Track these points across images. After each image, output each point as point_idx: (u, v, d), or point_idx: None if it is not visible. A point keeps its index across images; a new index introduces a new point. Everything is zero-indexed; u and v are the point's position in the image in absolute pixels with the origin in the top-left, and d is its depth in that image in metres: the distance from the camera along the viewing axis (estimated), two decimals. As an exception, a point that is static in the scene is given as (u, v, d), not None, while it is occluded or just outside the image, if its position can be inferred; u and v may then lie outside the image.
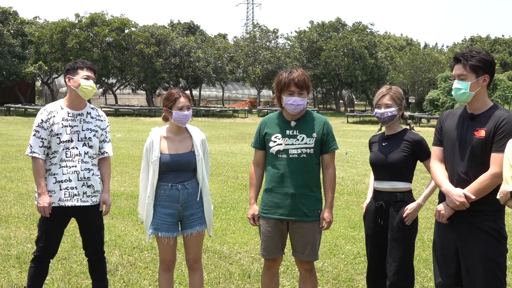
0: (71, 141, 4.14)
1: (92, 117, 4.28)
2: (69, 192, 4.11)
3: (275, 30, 55.19)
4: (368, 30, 52.42)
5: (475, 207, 3.40)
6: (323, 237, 5.28)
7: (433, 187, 3.91)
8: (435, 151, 3.68)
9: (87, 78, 4.17)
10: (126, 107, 43.16)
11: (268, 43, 54.46)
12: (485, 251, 3.39)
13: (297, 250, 4.04)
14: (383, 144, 4.08)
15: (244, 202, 8.76)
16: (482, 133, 3.41)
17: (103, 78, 44.94)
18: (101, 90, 48.62)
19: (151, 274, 5.34)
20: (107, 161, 4.39)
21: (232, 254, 6.09)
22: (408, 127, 4.22)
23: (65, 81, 4.24)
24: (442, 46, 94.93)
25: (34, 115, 4.61)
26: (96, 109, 4.39)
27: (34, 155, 4.10)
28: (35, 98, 52.89)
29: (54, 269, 5.36)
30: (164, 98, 4.21)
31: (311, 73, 45.34)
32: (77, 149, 4.16)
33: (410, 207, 3.91)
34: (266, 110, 41.71)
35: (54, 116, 4.15)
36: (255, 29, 55.56)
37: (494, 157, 3.32)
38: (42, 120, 4.13)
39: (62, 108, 4.20)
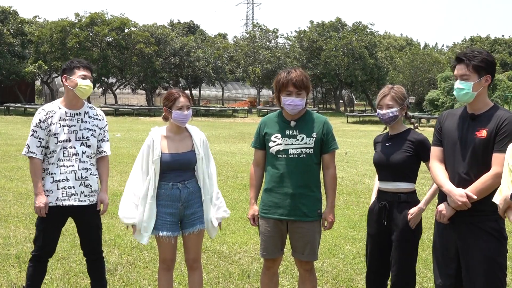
0: (69, 140, 4.14)
1: (89, 117, 4.27)
2: (66, 191, 4.11)
3: (275, 30, 55.25)
4: (368, 30, 52.42)
5: (476, 207, 3.39)
6: (323, 237, 5.27)
7: (435, 190, 3.88)
8: (435, 151, 3.68)
9: (84, 77, 4.16)
10: (126, 107, 43.17)
11: (268, 43, 54.48)
12: (485, 251, 3.39)
13: (296, 250, 4.04)
14: (387, 144, 4.06)
15: (243, 202, 8.76)
16: (483, 133, 3.40)
17: (103, 78, 44.95)
18: (101, 89, 48.62)
19: (150, 274, 5.34)
20: (105, 161, 4.38)
21: (232, 254, 6.09)
22: (412, 126, 4.20)
23: (61, 81, 4.24)
24: (442, 46, 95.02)
25: (34, 114, 4.56)
26: (94, 108, 4.38)
27: (31, 155, 4.09)
28: (34, 97, 52.90)
29: (54, 268, 5.36)
30: (164, 98, 4.21)
31: (311, 73, 45.34)
32: (75, 148, 4.15)
33: (411, 212, 3.89)
34: (265, 110, 41.71)
35: (52, 116, 4.14)
36: (255, 29, 55.59)
37: (495, 157, 3.32)
38: (40, 120, 4.13)
39: (59, 108, 4.19)
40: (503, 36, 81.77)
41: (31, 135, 4.12)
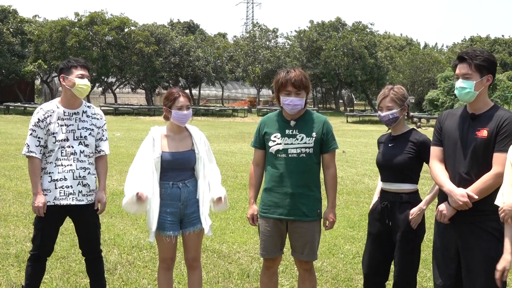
0: (67, 140, 4.13)
1: (88, 116, 4.27)
2: (64, 190, 4.10)
3: (275, 29, 55.19)
4: (368, 30, 52.37)
5: (477, 207, 3.39)
6: (322, 237, 5.27)
7: (436, 191, 3.87)
8: (435, 151, 3.67)
9: (82, 76, 4.16)
10: (126, 106, 43.14)
11: (267, 43, 54.43)
12: (486, 251, 3.39)
13: (296, 250, 4.04)
14: (389, 145, 4.05)
15: (243, 201, 8.76)
16: (484, 133, 3.40)
17: (103, 77, 44.95)
18: (100, 89, 48.58)
19: (150, 273, 5.33)
20: (104, 160, 4.37)
21: (231, 253, 6.08)
22: (415, 125, 4.19)
23: (59, 80, 4.23)
24: (442, 46, 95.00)
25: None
26: (93, 107, 4.38)
27: (31, 154, 4.09)
28: (34, 96, 52.87)
29: (53, 268, 5.36)
30: (164, 97, 4.22)
31: (310, 73, 45.30)
32: (73, 147, 4.15)
33: (412, 212, 3.88)
34: (265, 110, 41.67)
35: (50, 115, 4.14)
36: (254, 29, 55.52)
37: (496, 157, 3.32)
38: (39, 119, 4.12)
39: (58, 107, 4.19)
40: (503, 36, 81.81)
41: (30, 134, 4.12)
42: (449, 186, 3.47)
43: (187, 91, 44.14)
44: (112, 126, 25.35)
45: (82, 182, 4.16)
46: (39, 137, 4.11)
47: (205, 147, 4.23)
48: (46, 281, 4.96)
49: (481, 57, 3.44)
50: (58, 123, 4.14)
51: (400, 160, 3.91)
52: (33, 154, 4.09)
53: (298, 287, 4.27)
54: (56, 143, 4.11)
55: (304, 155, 3.94)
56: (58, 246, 5.91)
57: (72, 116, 4.20)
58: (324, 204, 4.06)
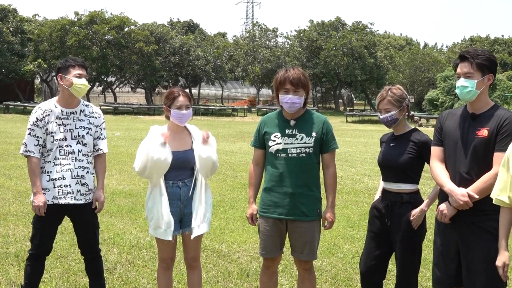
0: (65, 139, 4.13)
1: (85, 115, 4.26)
2: (62, 190, 4.10)
3: (275, 29, 55.09)
4: (368, 30, 52.36)
5: (477, 206, 3.39)
6: (322, 237, 5.27)
7: (437, 192, 3.87)
8: (436, 151, 3.68)
9: (79, 76, 4.15)
10: (125, 106, 43.12)
11: (267, 42, 54.36)
12: (486, 251, 3.39)
13: (296, 250, 4.04)
14: (391, 144, 4.04)
15: (243, 201, 8.75)
16: (484, 132, 3.40)
17: (102, 76, 44.93)
18: (100, 88, 48.55)
19: (149, 273, 5.33)
20: (102, 158, 4.36)
21: (231, 253, 6.08)
22: (416, 124, 4.18)
23: (56, 79, 4.22)
24: (442, 46, 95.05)
25: (33, 113, 4.55)
26: (91, 106, 4.37)
27: (29, 154, 4.08)
28: (34, 96, 52.84)
29: (53, 267, 5.35)
30: (164, 96, 4.22)
31: (310, 72, 45.27)
32: (71, 147, 4.14)
33: (413, 214, 3.88)
34: (265, 109, 41.66)
35: (48, 114, 4.13)
36: (254, 28, 55.47)
37: (497, 156, 3.32)
38: (37, 118, 4.12)
39: (56, 107, 4.18)
40: (502, 36, 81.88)
41: (28, 134, 4.11)
42: (449, 186, 3.47)
43: (187, 90, 44.14)
44: (112, 126, 25.34)
45: (80, 181, 4.16)
46: (37, 137, 4.11)
47: (207, 147, 4.19)
48: (46, 280, 4.96)
49: (483, 56, 3.45)
50: (56, 122, 4.13)
51: (401, 160, 3.91)
52: (31, 154, 4.08)
53: (297, 286, 4.27)
54: (54, 142, 4.11)
55: (304, 155, 3.94)
56: (58, 245, 5.91)
57: (70, 115, 4.19)
58: (324, 203, 4.06)
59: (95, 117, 4.31)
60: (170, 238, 4.02)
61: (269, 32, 54.61)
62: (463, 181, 3.45)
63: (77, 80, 4.13)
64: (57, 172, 4.11)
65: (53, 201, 4.10)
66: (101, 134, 4.34)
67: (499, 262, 3.22)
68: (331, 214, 4.01)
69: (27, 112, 34.96)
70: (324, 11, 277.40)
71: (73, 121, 4.19)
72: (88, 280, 4.50)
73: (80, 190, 4.16)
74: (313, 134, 3.95)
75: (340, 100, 56.76)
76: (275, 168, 3.99)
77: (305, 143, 3.94)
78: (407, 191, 3.93)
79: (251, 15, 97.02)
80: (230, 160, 14.13)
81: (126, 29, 45.27)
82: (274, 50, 51.98)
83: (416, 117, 4.21)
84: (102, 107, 37.30)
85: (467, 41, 73.55)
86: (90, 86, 4.47)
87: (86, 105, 4.33)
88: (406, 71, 53.37)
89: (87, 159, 4.22)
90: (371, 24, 56.22)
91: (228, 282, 5.17)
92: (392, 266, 4.50)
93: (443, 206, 3.54)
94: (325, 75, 49.67)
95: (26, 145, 4.10)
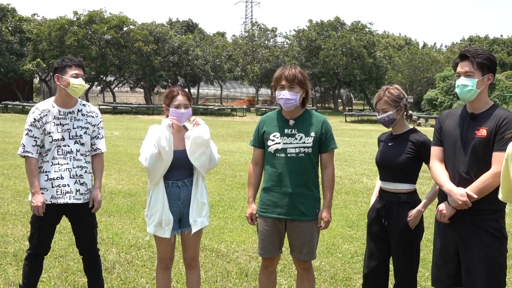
0: (63, 139, 4.12)
1: (83, 114, 4.26)
2: (61, 189, 4.09)
3: (274, 28, 55.12)
4: (367, 29, 52.40)
5: (477, 206, 3.39)
6: (321, 236, 5.27)
7: (435, 192, 3.87)
8: (435, 151, 3.68)
9: (76, 76, 4.14)
10: (124, 105, 43.09)
11: (266, 42, 54.37)
12: (486, 251, 3.39)
13: (294, 249, 4.04)
14: (389, 144, 4.04)
15: (241, 201, 8.75)
16: (483, 132, 3.40)
17: (101, 76, 44.90)
18: (99, 88, 48.52)
19: (148, 272, 5.33)
20: (100, 158, 4.35)
21: (230, 252, 6.08)
22: (415, 124, 4.18)
23: (54, 80, 4.22)
24: (441, 45, 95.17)
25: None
26: (88, 105, 4.36)
27: (27, 154, 4.08)
28: (33, 95, 52.76)
29: (51, 266, 5.35)
30: (164, 95, 4.22)
31: (309, 72, 45.29)
32: (69, 146, 4.14)
33: (410, 214, 3.88)
34: (264, 109, 41.66)
35: (46, 114, 4.13)
36: (253, 28, 55.48)
37: (495, 156, 3.32)
38: (35, 119, 4.11)
39: (53, 107, 4.18)
40: (501, 36, 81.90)
41: (26, 134, 4.10)
42: (448, 185, 3.47)
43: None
44: (111, 125, 25.31)
45: (79, 180, 4.15)
46: (35, 137, 4.10)
47: (197, 128, 4.11)
48: (44, 280, 4.95)
49: (483, 56, 3.46)
50: (54, 122, 4.12)
51: (399, 159, 3.90)
52: (29, 154, 4.07)
53: (296, 286, 4.27)
54: (53, 142, 4.10)
55: (303, 154, 3.93)
56: (56, 245, 5.90)
57: (67, 115, 4.19)
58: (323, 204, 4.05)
59: (93, 117, 4.31)
60: (168, 236, 4.01)
61: (268, 32, 54.62)
62: (462, 181, 3.45)
63: (74, 80, 4.12)
64: (55, 171, 4.10)
65: (51, 201, 4.10)
66: (99, 133, 4.33)
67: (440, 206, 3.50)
68: (327, 214, 4.00)
69: (26, 112, 34.92)
70: (323, 11, 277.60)
71: (71, 120, 4.19)
72: (86, 279, 4.50)
73: (79, 189, 4.15)
74: (312, 134, 3.95)
75: (339, 100, 56.77)
76: (274, 168, 3.98)
77: (304, 143, 3.93)
78: (404, 191, 3.93)
79: (250, 15, 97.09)
80: (229, 159, 14.12)
81: (125, 29, 45.26)
82: (273, 50, 51.99)
83: (415, 117, 4.20)
84: (101, 107, 37.27)
85: (466, 41, 73.64)
86: (87, 86, 4.46)
87: (84, 105, 4.32)
88: (405, 71, 53.36)
89: (85, 159, 4.22)
90: (370, 24, 56.37)
91: (227, 282, 5.17)
92: (390, 266, 4.49)
93: (442, 206, 3.54)
94: (324, 75, 49.68)
95: (24, 146, 4.09)
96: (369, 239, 4.12)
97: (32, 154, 4.08)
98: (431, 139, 3.82)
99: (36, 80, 53.49)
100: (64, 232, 6.36)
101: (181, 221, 4.13)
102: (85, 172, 4.20)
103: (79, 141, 4.18)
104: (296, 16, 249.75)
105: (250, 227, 6.63)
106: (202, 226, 4.12)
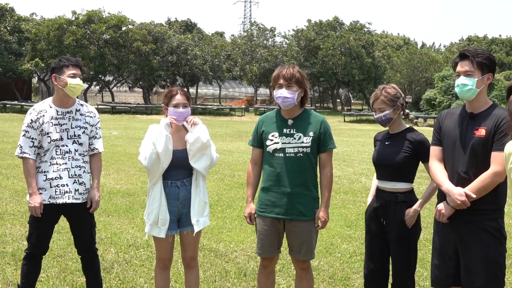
0: (61, 139, 4.12)
1: (81, 114, 4.25)
2: (60, 189, 4.09)
3: (273, 28, 55.11)
4: (366, 29, 52.40)
5: (475, 206, 3.39)
6: (319, 236, 5.27)
7: (431, 191, 3.88)
8: (434, 151, 3.68)
9: (74, 76, 4.13)
10: (123, 105, 43.07)
11: (265, 42, 54.37)
12: (485, 251, 3.39)
13: (293, 249, 4.03)
14: (386, 143, 4.04)
15: (240, 200, 8.75)
16: (482, 132, 3.41)
17: (100, 76, 44.89)
18: (97, 87, 48.49)
19: (146, 272, 5.32)
20: (98, 158, 4.35)
21: (228, 252, 6.08)
22: (412, 123, 4.18)
23: (51, 80, 4.21)
24: (440, 45, 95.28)
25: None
26: (86, 105, 4.36)
27: (25, 155, 4.07)
28: (31, 95, 52.72)
29: (50, 266, 5.34)
30: (163, 95, 4.22)
31: (308, 72, 45.27)
32: (67, 146, 4.13)
33: (407, 213, 3.87)
34: (263, 109, 41.65)
35: (43, 115, 4.12)
36: (252, 27, 55.49)
37: (494, 155, 3.32)
38: (31, 120, 4.10)
39: (50, 107, 4.17)
40: (500, 35, 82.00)
41: (23, 135, 4.10)
42: (447, 185, 3.47)
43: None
44: (109, 125, 25.29)
45: (78, 180, 4.15)
46: (32, 138, 4.09)
47: (196, 129, 4.11)
48: (43, 280, 4.94)
49: (483, 55, 3.46)
50: (51, 122, 4.12)
51: (396, 158, 3.90)
52: (27, 155, 4.07)
53: (295, 286, 4.27)
54: (51, 142, 4.10)
55: (301, 154, 3.93)
56: (55, 245, 5.90)
57: (65, 115, 4.18)
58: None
59: (91, 117, 4.31)
60: (163, 236, 4.01)
61: (266, 32, 54.62)
62: (461, 181, 3.45)
63: (71, 80, 4.11)
64: (53, 171, 4.09)
65: (49, 201, 4.09)
66: (97, 133, 4.33)
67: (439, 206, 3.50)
68: (324, 214, 3.98)
69: (24, 111, 34.89)
70: (322, 10, 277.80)
71: (69, 120, 4.18)
72: (85, 279, 4.49)
73: (78, 189, 4.15)
74: (311, 133, 3.94)
75: (338, 100, 56.77)
76: (273, 167, 3.98)
77: (302, 142, 3.93)
78: (402, 190, 3.93)
79: (249, 15, 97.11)
80: (228, 159, 14.11)
81: (123, 29, 45.27)
82: (271, 49, 51.99)
83: (412, 116, 4.20)
84: (99, 106, 37.29)
85: (464, 41, 73.67)
86: (85, 86, 4.46)
87: (82, 105, 4.32)
88: (404, 71, 53.37)
89: (83, 159, 4.21)
90: (369, 23, 56.56)
91: (226, 282, 5.17)
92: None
93: (441, 206, 3.54)
94: (323, 75, 49.69)
95: (21, 147, 4.09)
96: (368, 239, 4.12)
97: (29, 155, 4.07)
98: (428, 138, 3.82)
99: (34, 80, 53.44)
100: (62, 232, 6.35)
101: (180, 221, 4.13)
102: (84, 172, 4.20)
103: (77, 141, 4.18)
104: (295, 16, 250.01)
105: (249, 227, 6.62)
106: (205, 225, 4.13)
